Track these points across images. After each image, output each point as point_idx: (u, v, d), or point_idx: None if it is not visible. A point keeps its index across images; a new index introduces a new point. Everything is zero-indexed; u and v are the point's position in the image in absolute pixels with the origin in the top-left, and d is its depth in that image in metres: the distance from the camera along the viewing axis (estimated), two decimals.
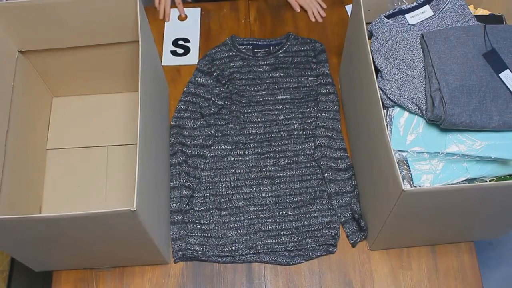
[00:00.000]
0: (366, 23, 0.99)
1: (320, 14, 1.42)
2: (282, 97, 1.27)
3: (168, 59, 1.36)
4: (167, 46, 1.37)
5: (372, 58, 0.99)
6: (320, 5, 1.43)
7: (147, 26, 1.06)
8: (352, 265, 1.11)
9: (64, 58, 1.14)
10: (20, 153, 1.06)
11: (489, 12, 1.06)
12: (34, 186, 1.14)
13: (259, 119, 1.25)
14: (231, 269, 1.11)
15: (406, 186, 0.81)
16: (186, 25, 1.41)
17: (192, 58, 1.36)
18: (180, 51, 1.37)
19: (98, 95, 1.28)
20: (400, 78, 0.98)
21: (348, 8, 1.43)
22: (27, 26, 1.04)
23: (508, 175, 0.94)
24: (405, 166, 0.94)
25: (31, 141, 1.15)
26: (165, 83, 1.29)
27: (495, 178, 0.94)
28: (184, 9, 1.43)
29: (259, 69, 1.31)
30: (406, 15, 1.03)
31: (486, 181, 0.93)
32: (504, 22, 1.03)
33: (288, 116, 1.25)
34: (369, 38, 1.05)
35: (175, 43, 1.38)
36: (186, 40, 1.38)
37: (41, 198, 1.16)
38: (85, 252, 1.01)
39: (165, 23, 1.41)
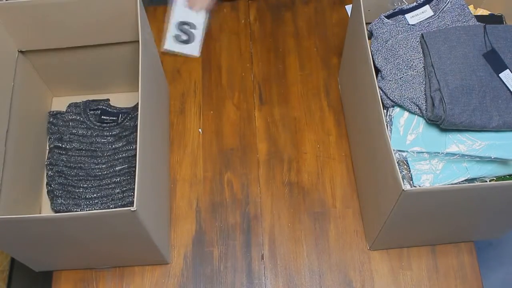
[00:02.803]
0: (366, 23, 0.99)
1: None
2: (120, 167, 1.18)
3: (170, 45, 1.22)
4: (172, 31, 1.29)
5: (372, 58, 0.99)
6: None
7: (147, 26, 1.06)
8: (352, 265, 1.11)
9: (64, 58, 1.14)
10: (20, 153, 1.06)
11: (489, 12, 1.06)
12: (34, 186, 1.14)
13: (95, 195, 1.15)
14: (231, 269, 1.11)
15: (406, 186, 0.81)
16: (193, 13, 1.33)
17: (194, 48, 1.30)
18: (185, 37, 1.30)
19: (98, 95, 1.28)
20: (400, 78, 0.98)
21: (348, 8, 1.43)
22: (27, 26, 1.04)
23: (508, 175, 0.93)
24: (405, 166, 0.94)
25: (31, 141, 1.15)
26: (165, 83, 1.29)
27: (495, 178, 0.94)
28: None
29: (102, 141, 1.20)
30: (406, 15, 1.03)
31: (486, 181, 0.93)
32: (504, 22, 1.03)
33: (124, 189, 1.16)
34: (369, 38, 1.05)
35: (180, 26, 1.31)
36: (192, 26, 1.31)
37: (41, 198, 1.16)
38: (85, 252, 1.01)
39: (174, 6, 1.33)
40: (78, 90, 1.27)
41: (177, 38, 1.27)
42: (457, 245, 1.12)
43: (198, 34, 1.32)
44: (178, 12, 1.32)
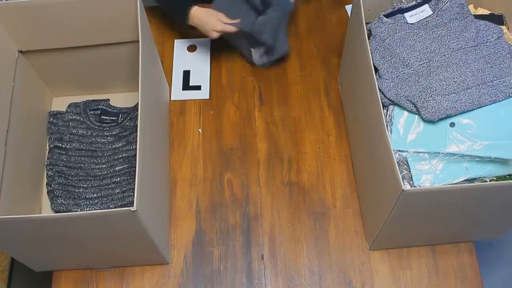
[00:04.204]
0: (366, 23, 0.99)
1: None
2: (120, 167, 1.18)
3: (178, 94, 1.32)
4: (177, 80, 1.34)
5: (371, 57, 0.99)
6: None
7: (147, 26, 1.06)
8: (352, 265, 1.11)
9: (64, 58, 1.14)
10: (20, 153, 1.06)
11: (489, 12, 1.06)
12: (34, 186, 1.14)
13: (95, 195, 1.15)
14: (231, 269, 1.11)
15: (406, 186, 0.81)
16: (195, 57, 1.37)
17: (204, 93, 1.32)
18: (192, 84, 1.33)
19: (98, 95, 1.28)
20: (397, 76, 0.98)
21: (348, 8, 1.43)
22: (27, 26, 1.04)
23: (508, 175, 0.93)
24: (405, 166, 0.94)
25: (31, 141, 1.15)
26: (165, 83, 1.29)
27: (495, 178, 0.94)
28: (195, 39, 1.39)
29: (102, 141, 1.21)
30: (405, 14, 1.03)
31: (486, 181, 0.93)
32: (505, 22, 1.03)
33: (124, 189, 1.16)
34: (369, 37, 1.05)
35: (185, 81, 1.34)
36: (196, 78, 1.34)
37: (41, 198, 1.16)
38: (85, 252, 1.01)
39: (174, 57, 1.36)
40: (78, 90, 1.27)
41: (185, 87, 1.31)
42: (457, 245, 1.12)
43: (206, 80, 1.33)
44: (180, 62, 1.34)
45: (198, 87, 1.32)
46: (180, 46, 1.39)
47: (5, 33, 1.04)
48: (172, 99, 1.31)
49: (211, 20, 1.22)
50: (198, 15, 1.23)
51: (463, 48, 0.97)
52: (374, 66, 1.00)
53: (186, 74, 1.35)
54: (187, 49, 1.39)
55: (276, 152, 1.24)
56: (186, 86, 1.33)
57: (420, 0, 1.03)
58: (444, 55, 0.97)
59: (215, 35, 1.23)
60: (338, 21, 1.42)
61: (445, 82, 0.94)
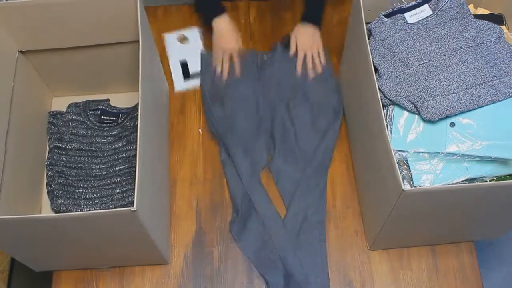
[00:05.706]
0: (366, 23, 0.99)
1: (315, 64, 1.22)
2: (120, 167, 1.18)
3: (180, 85, 1.33)
4: (177, 72, 1.34)
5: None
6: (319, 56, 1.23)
7: (147, 26, 1.06)
8: (352, 265, 1.11)
9: (64, 58, 1.14)
10: (20, 153, 1.06)
11: (489, 12, 1.06)
12: (34, 186, 1.14)
13: (95, 195, 1.15)
14: (231, 269, 1.11)
15: (406, 186, 0.81)
16: (188, 47, 1.38)
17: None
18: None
19: (98, 95, 1.28)
20: (397, 76, 0.98)
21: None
22: (27, 26, 1.04)
23: (508, 175, 0.93)
24: (405, 166, 0.94)
25: (31, 141, 1.15)
26: (165, 83, 1.29)
27: (495, 178, 0.94)
28: (184, 29, 1.39)
29: (102, 141, 1.21)
30: (405, 14, 1.03)
31: (486, 181, 0.93)
32: (504, 22, 1.03)
33: (124, 189, 1.16)
34: (369, 37, 1.05)
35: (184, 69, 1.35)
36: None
37: (41, 198, 1.16)
38: (85, 252, 1.01)
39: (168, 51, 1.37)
40: (78, 90, 1.27)
41: (185, 75, 1.31)
42: (457, 245, 1.12)
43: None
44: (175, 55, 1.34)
45: (198, 74, 1.33)
46: (170, 39, 1.39)
47: (5, 33, 1.04)
48: (175, 90, 1.31)
49: (229, 40, 1.12)
50: (222, 25, 1.14)
51: (463, 48, 0.97)
52: (374, 66, 1.00)
53: (184, 64, 1.35)
54: (178, 40, 1.39)
55: None
56: (186, 75, 1.33)
57: (420, 0, 1.03)
58: (444, 55, 0.97)
59: (220, 57, 1.14)
60: (338, 21, 1.42)
61: (445, 82, 0.94)
